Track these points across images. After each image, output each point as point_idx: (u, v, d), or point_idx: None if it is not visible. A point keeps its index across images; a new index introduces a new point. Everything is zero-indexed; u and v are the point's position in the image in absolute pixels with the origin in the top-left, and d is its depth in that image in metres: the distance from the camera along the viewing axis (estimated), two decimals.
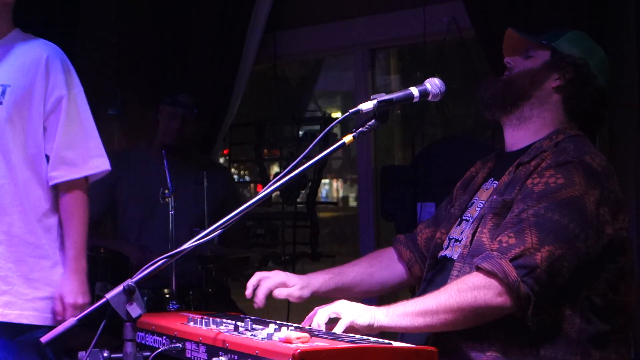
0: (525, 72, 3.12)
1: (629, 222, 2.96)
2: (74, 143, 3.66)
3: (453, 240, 3.13)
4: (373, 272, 3.40)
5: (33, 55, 3.64)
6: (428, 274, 3.22)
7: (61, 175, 3.65)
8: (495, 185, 3.09)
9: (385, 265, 3.44)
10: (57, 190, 3.69)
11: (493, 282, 2.73)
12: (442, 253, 3.18)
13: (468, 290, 2.75)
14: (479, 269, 2.77)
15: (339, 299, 2.87)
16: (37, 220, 3.64)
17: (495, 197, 2.98)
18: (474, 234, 2.99)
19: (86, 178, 3.72)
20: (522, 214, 2.81)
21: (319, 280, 3.30)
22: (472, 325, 2.81)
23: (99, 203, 5.02)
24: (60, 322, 3.57)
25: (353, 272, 3.38)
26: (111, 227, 5.30)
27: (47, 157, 3.65)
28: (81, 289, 3.65)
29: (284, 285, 3.24)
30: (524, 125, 3.12)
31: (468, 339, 2.86)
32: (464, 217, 3.17)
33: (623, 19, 4.28)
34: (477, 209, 3.10)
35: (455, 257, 3.04)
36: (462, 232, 3.10)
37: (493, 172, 3.21)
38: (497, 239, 2.81)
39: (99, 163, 3.72)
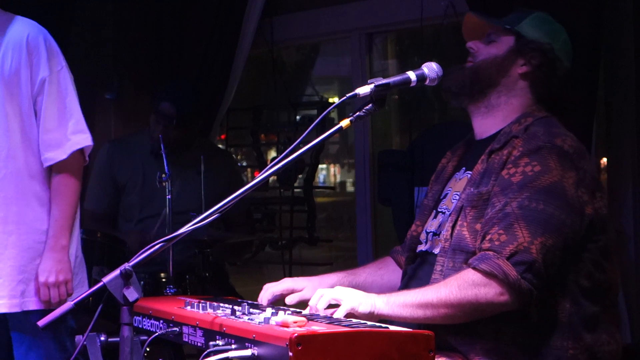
0: (491, 60, 3.10)
1: (606, 199, 2.96)
2: (56, 124, 3.64)
3: (431, 234, 3.12)
4: (382, 274, 3.39)
5: (14, 37, 3.60)
6: (408, 268, 3.21)
7: (50, 157, 3.64)
8: (468, 175, 3.07)
9: (392, 269, 3.43)
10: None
11: (493, 283, 2.73)
12: (421, 247, 3.17)
13: (469, 287, 2.74)
14: (476, 269, 2.76)
15: None
16: (43, 205, 3.64)
17: (471, 189, 2.96)
18: (453, 227, 2.98)
19: (79, 159, 3.70)
20: (506, 207, 2.80)
21: (332, 279, 3.28)
22: (470, 320, 2.81)
23: (107, 198, 5.04)
24: (47, 303, 3.59)
25: (365, 273, 3.38)
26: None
27: None
28: (55, 267, 3.61)
29: (292, 291, 3.22)
30: (493, 113, 3.11)
31: (458, 332, 2.86)
32: (439, 209, 3.16)
33: (620, 16, 4.28)
34: (452, 200, 3.09)
35: (436, 251, 3.03)
36: (439, 225, 3.08)
37: (464, 161, 3.20)
38: (487, 238, 2.80)
39: (80, 139, 3.69)
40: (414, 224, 3.29)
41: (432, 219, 3.17)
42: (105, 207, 5.10)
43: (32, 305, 3.61)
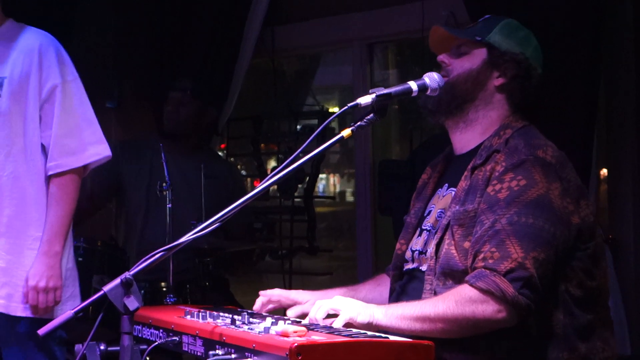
0: (466, 74, 3.06)
1: (592, 206, 2.95)
2: (71, 132, 3.65)
3: (417, 252, 3.11)
4: (381, 291, 3.38)
5: (27, 46, 3.63)
6: (396, 285, 3.20)
7: (61, 164, 3.64)
8: (452, 192, 3.05)
9: (389, 287, 3.43)
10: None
11: (490, 300, 2.72)
12: (408, 266, 3.16)
13: (466, 303, 2.73)
14: (473, 286, 2.74)
15: None
16: (36, 212, 3.64)
17: (457, 207, 2.95)
18: (438, 245, 2.97)
19: (81, 167, 3.70)
20: (495, 224, 2.78)
21: (335, 293, 3.26)
22: (468, 336, 2.80)
23: (102, 187, 5.02)
24: (34, 308, 3.58)
25: (365, 289, 3.38)
26: (115, 216, 5.28)
27: (43, 147, 3.65)
28: (47, 273, 3.60)
29: (294, 302, 3.22)
30: (471, 127, 3.09)
31: (453, 346, 2.84)
32: (423, 227, 3.14)
33: (621, 20, 4.29)
34: (437, 218, 3.07)
35: (424, 268, 3.02)
36: (425, 243, 3.07)
37: (446, 177, 3.18)
38: (480, 257, 2.78)
39: (99, 150, 3.71)
40: (397, 242, 3.27)
41: (417, 237, 3.15)
42: (95, 197, 5.05)
43: (19, 311, 3.60)
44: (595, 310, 2.91)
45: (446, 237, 2.95)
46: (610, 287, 4.11)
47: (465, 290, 2.75)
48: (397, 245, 3.25)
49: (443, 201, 3.09)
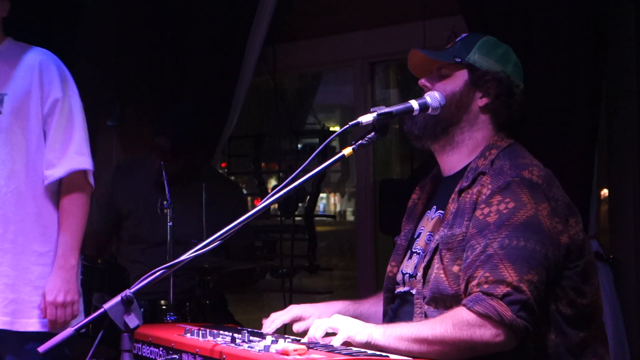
0: (449, 97, 3.03)
1: (581, 223, 2.94)
2: (59, 145, 3.67)
3: (408, 275, 3.10)
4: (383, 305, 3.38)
5: (27, 63, 3.67)
6: (388, 308, 3.19)
7: (49, 175, 3.67)
8: (440, 215, 3.05)
9: None
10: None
11: (487, 324, 2.70)
12: (399, 289, 3.15)
13: (464, 327, 2.71)
14: (470, 310, 2.73)
15: None
16: (40, 227, 3.65)
17: (445, 230, 2.94)
18: (426, 268, 2.96)
19: (84, 181, 3.72)
20: (487, 249, 2.76)
21: (338, 306, 3.29)
22: (465, 358, 2.78)
23: (104, 221, 5.03)
24: (53, 323, 3.59)
25: (368, 303, 3.37)
26: (115, 239, 5.28)
27: None
28: (64, 287, 3.63)
29: (300, 319, 3.21)
30: (457, 149, 3.08)
31: None
32: (413, 250, 3.13)
33: (622, 25, 4.29)
34: (426, 241, 3.06)
35: (414, 292, 3.02)
36: (415, 267, 3.05)
37: (434, 199, 3.17)
38: (474, 282, 2.76)
39: (79, 160, 3.72)
40: (389, 264, 3.26)
41: (407, 260, 3.14)
42: (100, 230, 5.06)
43: (26, 327, 3.60)
44: (588, 327, 2.90)
45: (435, 261, 2.94)
46: (612, 307, 4.12)
47: (462, 314, 2.73)
48: (388, 267, 3.24)
49: (431, 224, 3.08)
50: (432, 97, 2.91)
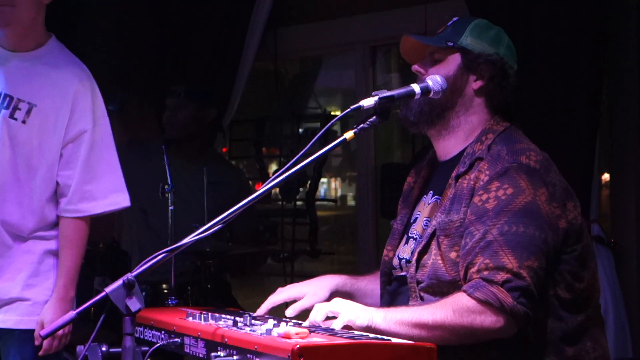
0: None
1: (579, 207, 2.93)
2: (94, 178, 3.61)
3: (404, 260, 3.09)
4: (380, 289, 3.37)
5: (65, 79, 3.58)
6: (385, 291, 3.18)
7: (80, 210, 3.61)
8: (437, 200, 3.04)
9: None
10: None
11: (488, 311, 2.70)
12: (397, 274, 3.14)
13: (465, 313, 2.71)
14: (471, 297, 2.73)
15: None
16: (43, 238, 3.63)
17: (442, 216, 2.93)
18: (420, 253, 2.96)
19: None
20: (487, 235, 2.76)
21: (335, 279, 3.26)
22: (465, 344, 2.78)
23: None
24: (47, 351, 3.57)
25: (365, 280, 3.35)
26: (117, 222, 5.29)
27: (57, 184, 3.62)
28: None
29: (294, 300, 3.19)
30: (453, 134, 3.06)
31: (441, 355, 2.83)
32: (410, 235, 3.12)
33: (625, 22, 4.29)
34: (423, 226, 3.06)
35: (409, 277, 3.02)
36: (412, 252, 3.04)
37: (431, 184, 3.16)
38: (474, 269, 2.76)
39: (118, 199, 3.68)
40: (385, 248, 3.25)
41: (404, 245, 3.14)
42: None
43: (26, 324, 3.60)
44: (585, 311, 2.90)
45: (432, 247, 2.94)
46: (613, 291, 4.13)
47: (463, 300, 2.73)
48: (384, 252, 3.23)
49: (428, 209, 3.08)
50: (434, 81, 2.90)
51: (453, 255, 2.86)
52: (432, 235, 2.94)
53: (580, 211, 2.93)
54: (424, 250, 2.96)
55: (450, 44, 3.04)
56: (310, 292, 3.18)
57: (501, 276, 2.70)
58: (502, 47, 3.07)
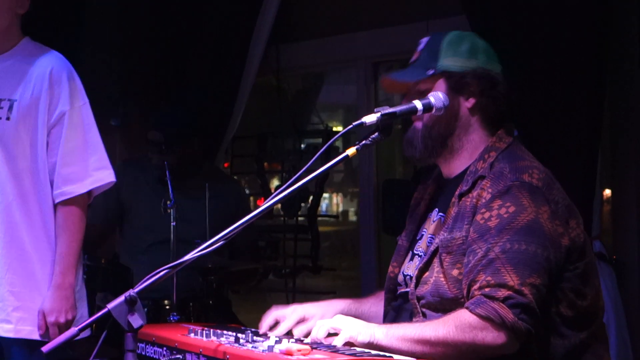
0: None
1: (581, 224, 2.93)
2: (75, 159, 3.64)
3: (409, 277, 3.09)
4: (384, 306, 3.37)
5: (39, 69, 3.63)
6: (389, 308, 3.18)
7: (65, 192, 3.63)
8: (441, 217, 3.04)
9: None
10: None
11: (489, 327, 2.70)
12: (402, 290, 3.14)
13: (467, 329, 2.71)
14: (472, 313, 2.73)
15: None
16: (46, 236, 3.64)
17: (445, 234, 2.93)
18: (421, 270, 2.96)
19: (87, 193, 3.70)
20: (489, 253, 2.76)
21: (341, 304, 3.27)
22: None
23: (105, 214, 5.02)
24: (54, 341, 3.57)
25: (369, 303, 3.35)
26: (118, 238, 5.28)
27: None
28: (64, 307, 3.59)
29: (303, 319, 3.17)
30: (457, 155, 3.06)
31: None
32: (415, 252, 3.13)
33: (626, 24, 4.28)
34: (427, 243, 3.06)
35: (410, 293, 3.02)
36: (416, 268, 3.04)
37: (436, 201, 3.16)
38: (476, 286, 2.76)
39: (102, 176, 3.69)
40: (390, 264, 3.26)
41: (409, 261, 3.14)
42: (103, 221, 5.05)
43: (28, 334, 3.59)
44: (588, 328, 2.90)
45: (435, 264, 2.94)
46: (614, 307, 4.12)
47: (465, 316, 2.73)
48: (390, 268, 3.23)
49: (433, 226, 3.08)
50: (436, 98, 2.90)
51: (455, 272, 2.86)
52: (435, 252, 2.94)
53: (583, 228, 2.93)
54: (425, 267, 2.96)
55: (431, 71, 3.03)
56: (318, 314, 3.18)
57: (502, 293, 2.70)
58: (480, 55, 3.05)
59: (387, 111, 2.76)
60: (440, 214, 3.07)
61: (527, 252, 2.74)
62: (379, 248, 5.62)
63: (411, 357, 2.69)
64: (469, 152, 3.05)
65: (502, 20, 4.30)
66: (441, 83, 3.02)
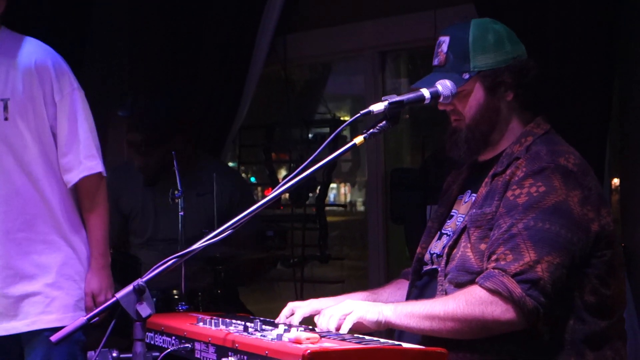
0: (478, 112, 3.02)
1: (612, 215, 2.94)
2: (69, 147, 3.68)
3: (435, 255, 3.10)
4: (402, 294, 3.37)
5: (23, 62, 3.62)
6: (413, 289, 3.19)
7: (67, 180, 3.70)
8: (473, 198, 3.06)
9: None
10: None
11: (498, 300, 2.72)
12: (427, 268, 3.15)
13: (476, 303, 2.73)
14: (482, 287, 2.75)
15: None
16: (66, 224, 3.68)
17: (475, 210, 2.96)
18: (451, 247, 2.98)
19: (99, 178, 3.74)
20: (512, 228, 2.78)
21: (358, 297, 3.24)
22: (477, 337, 2.80)
23: (113, 232, 5.02)
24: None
25: (386, 293, 3.35)
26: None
27: None
28: (109, 285, 3.77)
29: (318, 312, 3.19)
30: (496, 144, 3.08)
31: (459, 348, 2.83)
32: (443, 231, 3.14)
33: (636, 15, 4.27)
34: (457, 223, 3.08)
35: (439, 269, 3.03)
36: (443, 247, 3.06)
37: (469, 184, 3.18)
38: (493, 257, 2.79)
39: (91, 164, 3.72)
40: (419, 246, 3.27)
41: (437, 241, 3.16)
42: (113, 239, 5.04)
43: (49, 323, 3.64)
44: (609, 317, 2.90)
45: (462, 239, 2.96)
46: None
47: (475, 291, 2.76)
48: (418, 249, 3.24)
49: (465, 207, 3.10)
50: (444, 86, 2.90)
51: (482, 247, 2.88)
52: (463, 229, 2.96)
53: (612, 219, 2.93)
54: (454, 244, 2.98)
55: (466, 75, 2.99)
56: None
57: (515, 267, 2.72)
58: (506, 43, 3.03)
59: (394, 99, 2.76)
60: (473, 194, 3.08)
61: (550, 231, 2.76)
62: (387, 237, 5.63)
63: (420, 333, 2.70)
64: (507, 138, 3.07)
65: (510, 8, 4.29)
66: (478, 85, 3.01)
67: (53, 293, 3.66)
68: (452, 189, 3.26)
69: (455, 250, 2.97)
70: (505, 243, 2.78)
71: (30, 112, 3.60)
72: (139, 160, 4.89)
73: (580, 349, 2.84)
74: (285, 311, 3.15)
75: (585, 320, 2.85)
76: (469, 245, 2.92)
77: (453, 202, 3.21)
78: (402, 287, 3.37)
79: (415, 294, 3.16)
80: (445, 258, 2.98)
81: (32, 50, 3.65)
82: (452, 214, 3.17)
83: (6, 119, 3.59)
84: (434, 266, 3.09)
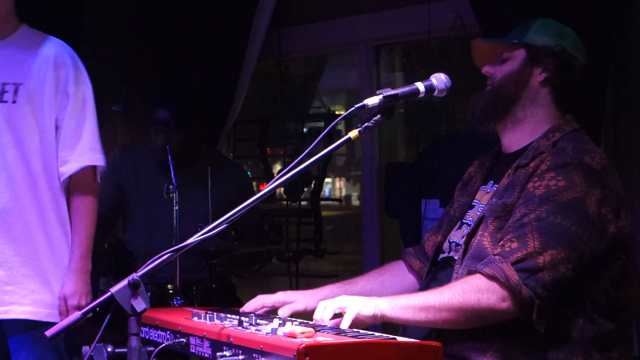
0: (508, 76, 3.10)
1: (631, 218, 2.94)
2: (72, 140, 3.70)
3: (454, 243, 3.12)
4: (383, 280, 3.38)
5: (43, 53, 3.67)
6: (428, 276, 3.20)
7: (63, 172, 3.70)
8: (495, 188, 3.07)
9: (395, 274, 3.43)
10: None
11: (495, 286, 2.73)
12: (444, 256, 3.17)
13: (472, 292, 2.74)
14: (481, 273, 2.76)
15: None
16: (55, 219, 3.67)
17: (494, 199, 2.97)
18: (470, 236, 2.99)
19: (92, 178, 3.74)
20: (523, 218, 2.80)
21: (326, 290, 3.29)
22: (473, 326, 2.81)
23: (108, 202, 5.01)
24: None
25: (362, 281, 3.37)
26: (121, 223, 5.29)
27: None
28: (84, 290, 3.68)
29: (284, 303, 3.21)
30: (519, 127, 3.10)
31: (468, 339, 2.85)
32: (464, 221, 3.16)
33: (630, 21, 4.27)
34: (477, 212, 3.09)
35: (456, 257, 3.04)
36: (462, 236, 3.08)
37: (492, 174, 3.19)
38: (500, 244, 2.81)
39: (91, 156, 3.74)
40: (433, 235, 3.29)
41: (457, 230, 3.17)
42: (107, 212, 5.05)
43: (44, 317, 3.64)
44: (618, 320, 2.90)
45: (480, 228, 2.97)
46: None
47: (474, 279, 2.77)
48: (439, 238, 3.24)
49: (486, 197, 3.11)
50: (438, 80, 2.90)
51: (500, 236, 2.88)
52: (482, 218, 2.98)
53: (631, 223, 2.94)
54: (472, 233, 3.00)
55: (516, 40, 3.10)
56: (300, 299, 3.20)
57: (516, 256, 2.73)
58: (567, 40, 3.11)
59: (389, 93, 2.76)
60: (495, 185, 3.10)
61: (561, 226, 2.76)
62: (381, 231, 5.63)
63: (416, 325, 2.70)
64: (531, 126, 3.09)
65: (503, 3, 4.29)
66: (521, 52, 3.11)
67: (31, 286, 3.65)
68: (474, 180, 3.27)
69: (473, 239, 2.99)
70: (514, 231, 2.80)
71: (39, 99, 3.63)
72: (162, 139, 4.90)
73: (587, 349, 2.84)
74: (255, 303, 3.19)
75: (594, 320, 2.85)
76: (485, 234, 2.93)
77: (475, 192, 3.22)
78: (387, 272, 3.40)
79: (429, 278, 3.17)
80: (463, 247, 3.00)
81: (54, 45, 3.71)
82: (473, 203, 3.18)
83: (14, 102, 3.62)
84: (452, 254, 3.11)
